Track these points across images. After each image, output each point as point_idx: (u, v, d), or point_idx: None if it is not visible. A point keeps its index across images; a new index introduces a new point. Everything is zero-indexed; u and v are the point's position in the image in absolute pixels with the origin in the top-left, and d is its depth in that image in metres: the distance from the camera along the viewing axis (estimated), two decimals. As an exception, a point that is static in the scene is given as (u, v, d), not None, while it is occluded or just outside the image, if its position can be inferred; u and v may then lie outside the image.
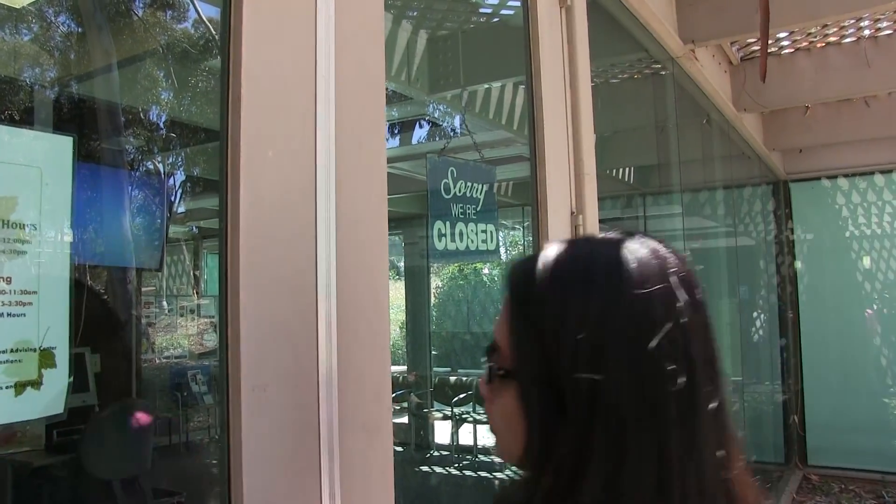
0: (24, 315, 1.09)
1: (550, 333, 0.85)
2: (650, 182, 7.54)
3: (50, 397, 1.12)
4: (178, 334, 8.40)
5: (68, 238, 1.15)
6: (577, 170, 2.52)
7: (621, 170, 7.39)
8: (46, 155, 1.13)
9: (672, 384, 0.82)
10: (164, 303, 8.47)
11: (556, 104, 2.45)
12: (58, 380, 1.13)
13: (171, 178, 7.64)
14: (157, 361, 7.97)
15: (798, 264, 8.39)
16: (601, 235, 0.96)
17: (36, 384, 1.10)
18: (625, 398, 0.82)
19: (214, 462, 7.66)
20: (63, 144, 1.16)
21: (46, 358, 1.11)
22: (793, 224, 8.38)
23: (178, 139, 7.07)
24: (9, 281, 1.07)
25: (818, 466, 7.97)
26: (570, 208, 2.47)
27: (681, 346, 0.84)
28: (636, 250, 0.88)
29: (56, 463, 3.79)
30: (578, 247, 0.95)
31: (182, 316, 8.49)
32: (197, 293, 10.27)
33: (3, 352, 1.06)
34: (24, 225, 1.09)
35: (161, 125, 6.72)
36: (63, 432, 3.76)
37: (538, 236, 2.33)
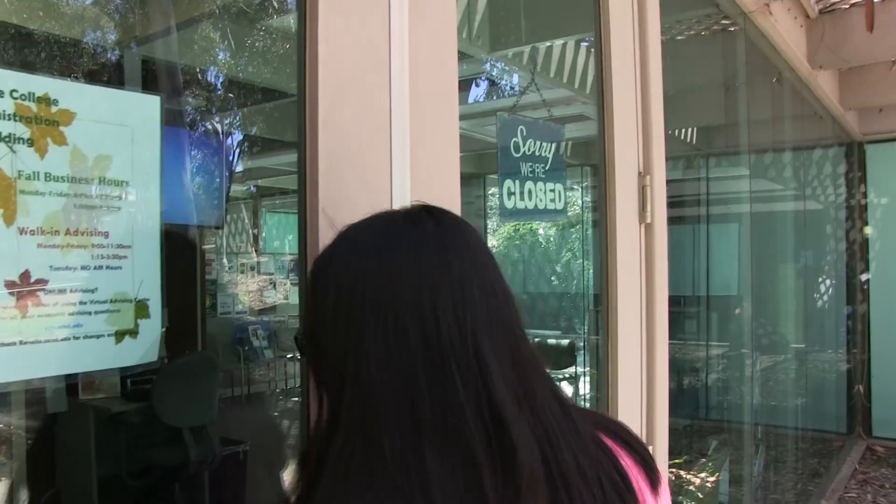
0: (121, 268, 1.14)
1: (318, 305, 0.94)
2: (714, 143, 7.39)
3: (146, 346, 1.17)
4: (238, 291, 8.54)
5: (157, 194, 1.20)
6: (646, 129, 2.50)
7: (683, 130, 7.27)
8: (136, 114, 1.18)
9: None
10: (225, 260, 8.62)
11: (625, 61, 2.43)
12: (152, 330, 1.18)
13: (230, 137, 7.72)
14: (220, 317, 8.13)
15: (869, 230, 8.09)
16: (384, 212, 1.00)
17: (133, 333, 1.15)
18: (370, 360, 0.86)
19: (275, 413, 7.85)
20: (151, 104, 1.20)
21: (141, 309, 1.16)
22: (866, 188, 8.08)
23: (236, 99, 7.14)
24: (106, 235, 1.13)
25: (884, 438, 7.78)
26: (637, 169, 2.45)
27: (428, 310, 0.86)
28: (389, 222, 0.96)
29: (130, 410, 3.95)
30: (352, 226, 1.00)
31: (242, 273, 8.63)
32: (256, 251, 10.42)
33: (104, 302, 1.12)
34: (118, 182, 1.14)
35: (219, 85, 6.78)
36: (136, 381, 3.92)
37: (605, 198, 2.32)
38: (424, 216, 0.96)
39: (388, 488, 0.83)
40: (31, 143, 1.04)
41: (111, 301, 1.13)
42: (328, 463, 0.87)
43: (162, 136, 1.20)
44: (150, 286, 1.18)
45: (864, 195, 8.07)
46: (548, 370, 0.98)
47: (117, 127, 1.15)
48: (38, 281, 1.05)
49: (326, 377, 0.95)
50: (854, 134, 7.74)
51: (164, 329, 1.20)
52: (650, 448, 2.33)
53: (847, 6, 5.19)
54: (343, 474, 0.86)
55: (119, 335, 1.14)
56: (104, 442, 3.77)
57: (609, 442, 0.98)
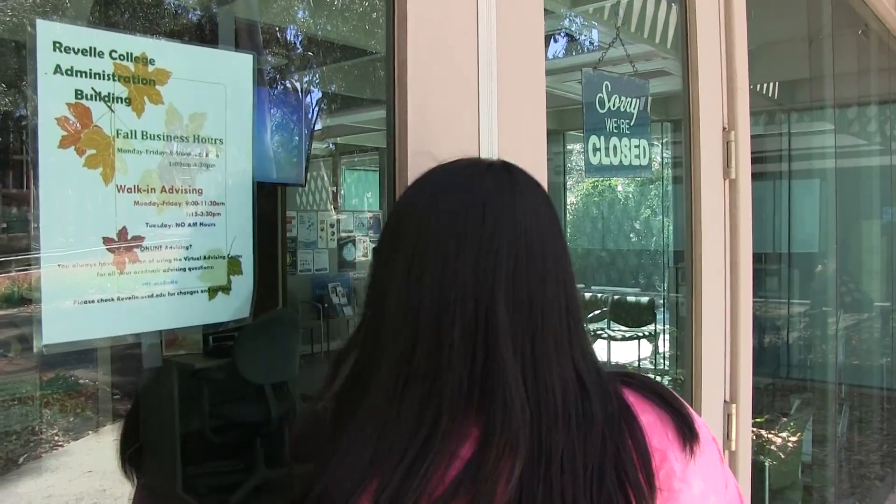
0: (214, 225, 1.16)
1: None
2: (797, 97, 7.19)
3: (238, 302, 1.20)
4: (318, 248, 8.64)
5: (249, 151, 1.21)
6: (730, 83, 2.44)
7: (765, 85, 7.08)
8: (230, 72, 1.19)
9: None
10: (305, 217, 8.71)
11: (709, 14, 2.37)
12: (244, 286, 1.21)
13: (309, 95, 7.77)
14: (300, 274, 8.25)
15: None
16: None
17: (226, 290, 1.18)
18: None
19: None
20: (244, 62, 1.21)
21: (234, 265, 1.19)
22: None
23: (314, 57, 7.17)
24: (200, 193, 1.15)
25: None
26: (721, 124, 2.40)
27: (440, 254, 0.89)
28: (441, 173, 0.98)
29: (213, 366, 4.03)
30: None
31: (322, 230, 8.71)
32: (335, 208, 10.52)
33: (198, 258, 1.14)
34: (213, 139, 1.16)
35: (298, 44, 6.82)
36: (218, 338, 3.99)
37: (689, 153, 2.29)
38: (491, 170, 0.97)
39: (372, 412, 0.89)
40: (128, 102, 1.06)
41: (205, 258, 1.15)
42: (341, 374, 0.97)
43: (254, 95, 1.22)
44: (242, 243, 1.20)
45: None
46: (586, 347, 0.96)
47: (211, 85, 1.16)
48: (135, 238, 1.08)
49: (366, 295, 0.99)
50: (943, 85, 7.45)
51: (255, 286, 1.22)
52: (733, 406, 2.31)
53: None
54: (348, 388, 0.96)
55: (212, 291, 1.16)
56: (187, 398, 3.85)
57: (632, 398, 0.95)
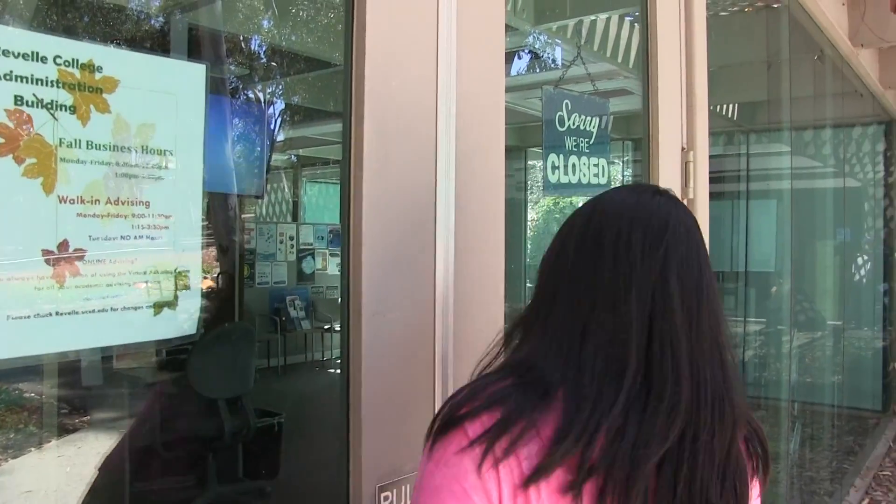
0: (162, 238, 1.13)
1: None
2: (756, 119, 7.30)
3: (185, 318, 1.16)
4: (277, 260, 8.58)
5: (200, 163, 1.18)
6: (690, 104, 2.46)
7: (726, 106, 7.18)
8: (181, 82, 1.16)
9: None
10: (264, 229, 8.65)
11: (671, 36, 2.38)
12: (192, 301, 1.17)
13: (272, 106, 7.73)
14: (258, 286, 8.18)
15: (907, 208, 8.05)
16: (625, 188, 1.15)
17: (172, 305, 1.14)
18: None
19: (311, 385, 7.90)
20: (196, 72, 1.18)
21: (181, 280, 1.15)
22: (904, 166, 8.01)
23: (278, 68, 7.14)
24: (147, 205, 1.11)
25: (918, 416, 7.76)
26: (681, 144, 2.41)
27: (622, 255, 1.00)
28: (620, 197, 1.09)
29: (166, 380, 3.95)
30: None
31: (281, 242, 8.65)
32: (295, 220, 10.46)
33: (143, 273, 1.11)
34: (161, 151, 1.12)
35: (262, 54, 6.79)
36: (172, 352, 3.92)
37: (648, 172, 2.29)
38: (662, 193, 1.09)
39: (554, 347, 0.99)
40: (73, 110, 1.03)
41: (151, 272, 1.12)
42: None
43: (206, 105, 1.19)
44: (191, 257, 1.17)
45: (903, 173, 7.98)
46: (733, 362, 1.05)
47: (162, 95, 1.13)
48: (77, 251, 1.05)
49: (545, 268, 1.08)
50: (893, 112, 7.64)
51: (203, 301, 1.18)
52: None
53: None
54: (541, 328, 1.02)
55: (158, 307, 1.13)
56: (137, 412, 3.78)
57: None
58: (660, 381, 0.94)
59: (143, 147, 1.10)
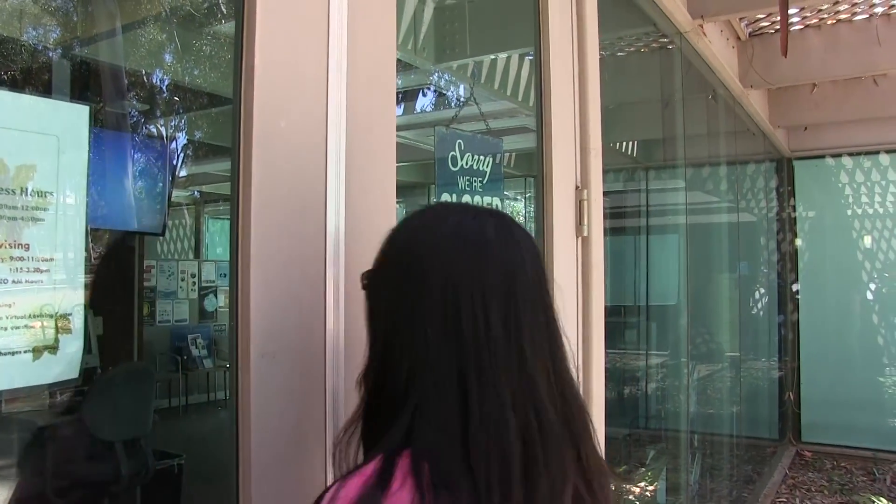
0: (42, 282, 1.10)
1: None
2: (653, 156, 7.53)
3: (66, 362, 1.14)
4: (178, 298, 8.41)
5: (83, 205, 1.17)
6: (584, 144, 2.52)
7: (624, 143, 7.38)
8: (63, 123, 1.14)
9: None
10: (165, 266, 8.48)
11: (564, 78, 2.45)
12: (74, 345, 1.15)
13: (174, 142, 7.62)
14: (158, 325, 8.00)
15: (799, 242, 8.40)
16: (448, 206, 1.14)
17: (52, 349, 1.12)
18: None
19: (213, 425, 7.74)
20: (79, 113, 1.17)
21: (63, 324, 1.13)
22: (795, 202, 8.37)
23: (181, 103, 7.05)
24: (27, 248, 1.09)
25: (812, 443, 8.03)
26: (574, 183, 2.47)
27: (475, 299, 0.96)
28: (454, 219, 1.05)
29: (59, 423, 3.82)
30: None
31: (183, 280, 8.49)
32: (197, 257, 10.28)
33: (22, 317, 1.08)
34: (42, 192, 1.10)
35: (164, 89, 6.69)
36: (66, 393, 3.79)
37: (542, 210, 2.34)
38: (488, 216, 1.06)
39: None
40: (-54, 152, 1.01)
41: (30, 316, 1.09)
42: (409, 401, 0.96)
43: (90, 146, 1.18)
44: (72, 299, 1.14)
45: (794, 209, 8.37)
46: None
47: (41, 136, 1.11)
48: (-48, 294, 1.02)
49: (378, 319, 1.06)
50: (783, 150, 8.02)
51: (85, 345, 1.16)
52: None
53: (773, 31, 5.41)
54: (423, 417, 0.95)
55: (37, 351, 1.10)
56: (28, 457, 3.64)
57: None
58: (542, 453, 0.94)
59: (21, 188, 1.08)
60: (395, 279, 1.03)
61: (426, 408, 0.95)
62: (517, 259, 1.01)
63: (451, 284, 0.97)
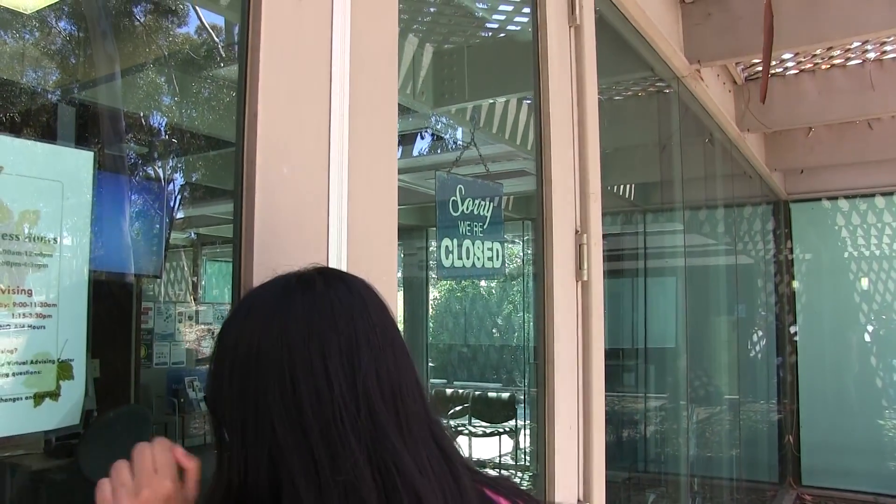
0: (44, 327, 1.10)
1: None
2: (651, 199, 7.56)
3: (67, 409, 1.13)
4: (175, 340, 8.38)
5: (87, 251, 1.17)
6: (583, 189, 2.53)
7: (622, 186, 7.42)
8: (68, 169, 1.15)
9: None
10: (163, 308, 8.46)
11: (564, 123, 2.47)
12: (75, 391, 1.14)
13: (171, 184, 7.64)
14: (155, 367, 7.96)
15: (796, 284, 8.42)
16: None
17: (54, 395, 1.11)
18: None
19: (211, 467, 7.67)
20: (84, 159, 1.17)
21: (64, 370, 1.12)
22: (792, 244, 8.41)
23: (179, 146, 7.08)
24: (30, 294, 1.08)
25: (812, 487, 7.97)
26: (574, 227, 2.48)
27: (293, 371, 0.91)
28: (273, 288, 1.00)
29: (54, 467, 3.77)
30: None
31: (180, 322, 8.47)
32: (195, 299, 10.26)
33: (24, 363, 1.07)
34: (45, 239, 1.10)
35: (162, 131, 6.73)
36: (61, 437, 3.74)
37: (542, 255, 2.35)
38: (316, 277, 1.00)
39: None
40: (-50, 197, 1.01)
41: (31, 362, 1.08)
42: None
43: (94, 192, 1.18)
44: (74, 346, 1.14)
45: (791, 251, 8.41)
46: (441, 425, 1.00)
47: (46, 182, 1.12)
48: (-46, 340, 1.02)
49: (230, 433, 0.96)
50: (780, 193, 8.07)
51: (87, 392, 1.15)
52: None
53: (770, 75, 5.45)
54: None
55: (38, 398, 1.09)
56: (21, 503, 3.59)
57: (492, 495, 1.00)
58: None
59: (25, 234, 1.08)
60: (234, 384, 0.95)
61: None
62: (360, 327, 0.96)
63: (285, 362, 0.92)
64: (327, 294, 0.97)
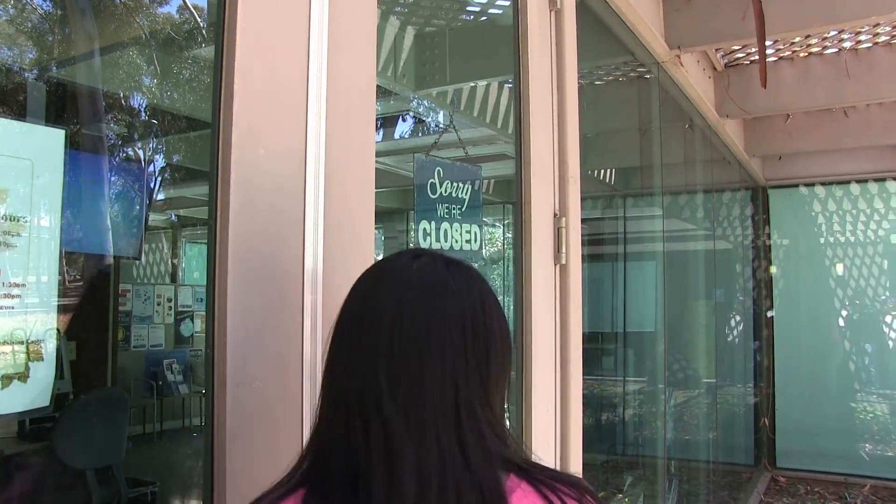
0: (13, 308, 1.08)
1: None
2: (631, 184, 7.59)
3: (37, 390, 1.11)
4: (154, 322, 8.33)
5: (58, 230, 1.15)
6: (562, 172, 2.53)
7: (603, 171, 7.43)
8: (38, 147, 1.13)
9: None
10: (141, 291, 8.40)
11: (543, 107, 2.46)
12: (44, 372, 1.12)
13: (151, 165, 7.58)
14: (133, 350, 7.91)
15: (773, 269, 8.49)
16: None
17: (23, 377, 1.09)
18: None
19: (188, 452, 7.65)
20: (55, 137, 1.15)
21: (34, 351, 1.11)
22: (770, 230, 8.47)
23: (159, 126, 7.02)
24: (-1, 273, 1.07)
25: (786, 468, 8.08)
26: (553, 210, 2.48)
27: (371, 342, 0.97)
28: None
29: (29, 451, 3.74)
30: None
31: (159, 304, 8.42)
32: (174, 281, 10.20)
33: (-9, 344, 1.06)
34: (14, 217, 1.08)
35: (142, 112, 6.66)
36: (36, 420, 3.71)
37: (521, 239, 2.34)
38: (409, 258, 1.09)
39: None
40: (-81, 175, 0.99)
41: (0, 343, 1.07)
42: None
43: (66, 171, 1.16)
44: (44, 326, 1.12)
45: (769, 236, 8.47)
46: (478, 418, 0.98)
47: (16, 160, 1.10)
48: (-79, 320, 1.00)
49: None
50: (758, 179, 8.12)
51: (57, 373, 1.14)
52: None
53: (749, 62, 5.49)
54: None
55: (6, 379, 1.08)
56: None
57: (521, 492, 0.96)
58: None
59: (-6, 213, 1.06)
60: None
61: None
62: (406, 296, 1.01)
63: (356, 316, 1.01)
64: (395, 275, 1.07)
